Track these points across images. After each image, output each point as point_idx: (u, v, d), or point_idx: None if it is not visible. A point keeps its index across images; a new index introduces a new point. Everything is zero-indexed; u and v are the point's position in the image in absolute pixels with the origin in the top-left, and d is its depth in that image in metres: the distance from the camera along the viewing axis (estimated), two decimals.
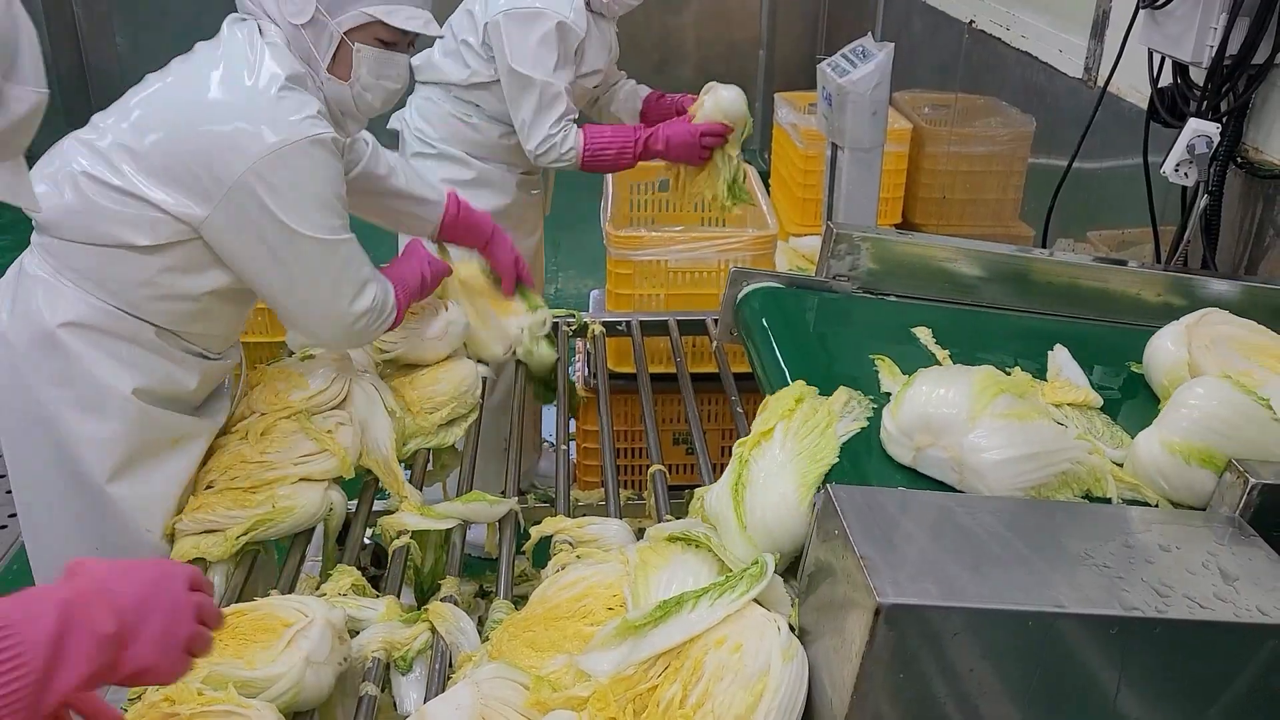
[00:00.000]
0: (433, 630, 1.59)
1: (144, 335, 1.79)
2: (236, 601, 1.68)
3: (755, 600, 1.26)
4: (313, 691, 1.44)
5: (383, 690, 1.54)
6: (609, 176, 3.17)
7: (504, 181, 3.04)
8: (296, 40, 1.78)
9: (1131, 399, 1.70)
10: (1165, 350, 1.67)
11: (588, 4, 2.84)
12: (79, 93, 6.32)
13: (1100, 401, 1.62)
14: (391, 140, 2.91)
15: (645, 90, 3.27)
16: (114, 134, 1.72)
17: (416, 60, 3.04)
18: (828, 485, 1.25)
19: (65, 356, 1.73)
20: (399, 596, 1.71)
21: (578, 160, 2.83)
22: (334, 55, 1.80)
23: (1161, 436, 1.40)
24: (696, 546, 1.40)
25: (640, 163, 2.90)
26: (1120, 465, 1.45)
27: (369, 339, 2.00)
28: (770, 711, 1.15)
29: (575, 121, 2.84)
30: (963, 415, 1.37)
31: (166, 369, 1.83)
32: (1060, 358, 1.73)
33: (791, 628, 1.24)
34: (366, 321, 1.90)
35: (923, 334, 1.79)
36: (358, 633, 1.61)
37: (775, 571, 1.29)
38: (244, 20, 1.81)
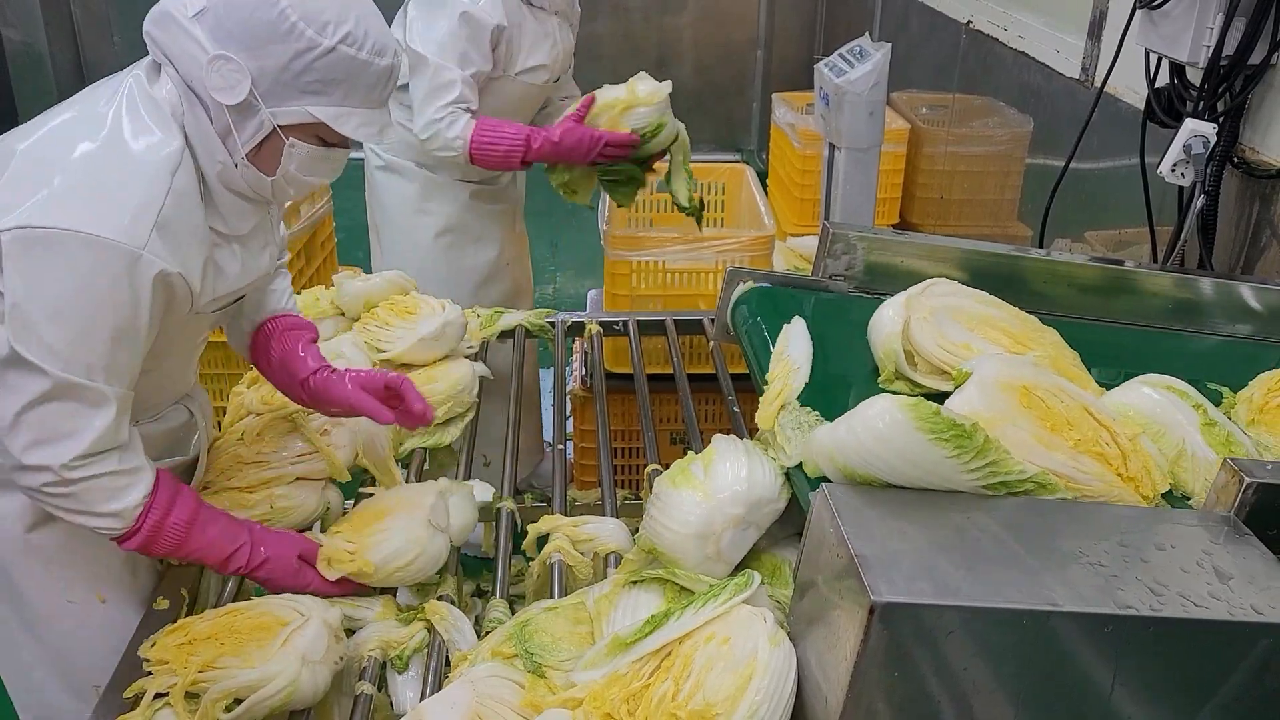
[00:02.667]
0: (429, 629, 1.59)
1: None
2: (235, 601, 1.69)
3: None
4: (308, 690, 1.45)
5: (379, 689, 1.55)
6: None
7: (454, 193, 2.92)
8: (216, 114, 1.49)
9: None
10: (883, 320, 1.64)
11: None
12: (77, 92, 6.31)
13: (801, 383, 1.60)
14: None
15: (576, 97, 3.03)
16: None
17: None
18: (823, 486, 1.26)
19: None
20: (395, 595, 1.71)
21: (465, 150, 2.63)
22: (259, 144, 1.51)
23: (827, 449, 1.34)
24: (658, 582, 1.43)
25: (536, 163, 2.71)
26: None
27: (62, 508, 1.52)
28: (759, 692, 1.17)
29: (470, 112, 2.65)
30: None
31: None
32: (793, 331, 1.72)
33: (780, 626, 1.25)
34: (36, 484, 1.47)
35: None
36: (354, 632, 1.61)
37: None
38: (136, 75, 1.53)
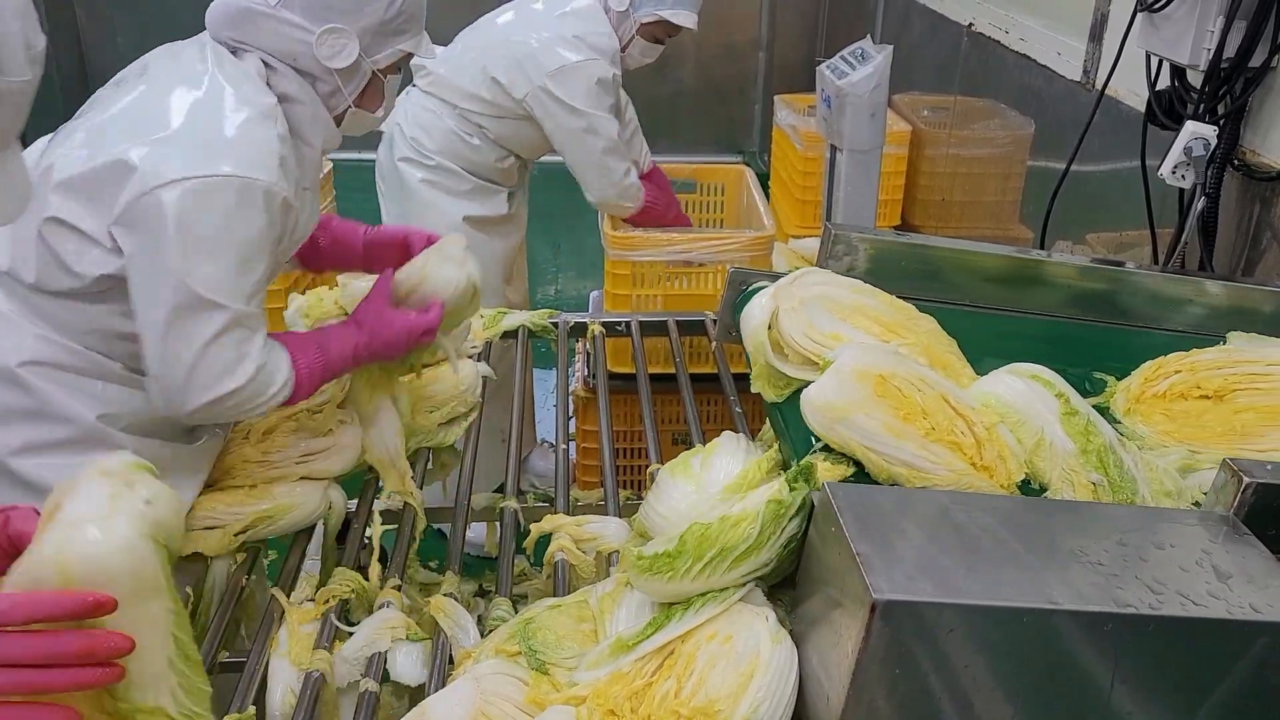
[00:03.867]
0: (434, 624, 1.60)
1: (111, 371, 1.68)
2: (235, 599, 1.70)
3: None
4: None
5: (381, 685, 1.55)
6: None
7: (495, 195, 3.09)
8: (323, 79, 1.71)
9: None
10: (752, 312, 1.66)
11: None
12: (80, 93, 6.28)
13: None
14: (373, 138, 2.92)
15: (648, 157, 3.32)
16: (62, 163, 1.58)
17: (414, 61, 3.05)
18: (825, 484, 1.26)
19: (27, 393, 1.63)
20: (401, 590, 1.72)
21: (637, 205, 2.97)
22: (362, 91, 1.77)
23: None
24: None
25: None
26: None
27: (234, 417, 1.74)
28: (761, 689, 1.18)
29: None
30: None
31: (137, 401, 1.70)
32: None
33: (781, 624, 1.26)
34: (235, 402, 1.63)
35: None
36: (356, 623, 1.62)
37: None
38: (213, 47, 1.69)
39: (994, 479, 1.38)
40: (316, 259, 2.11)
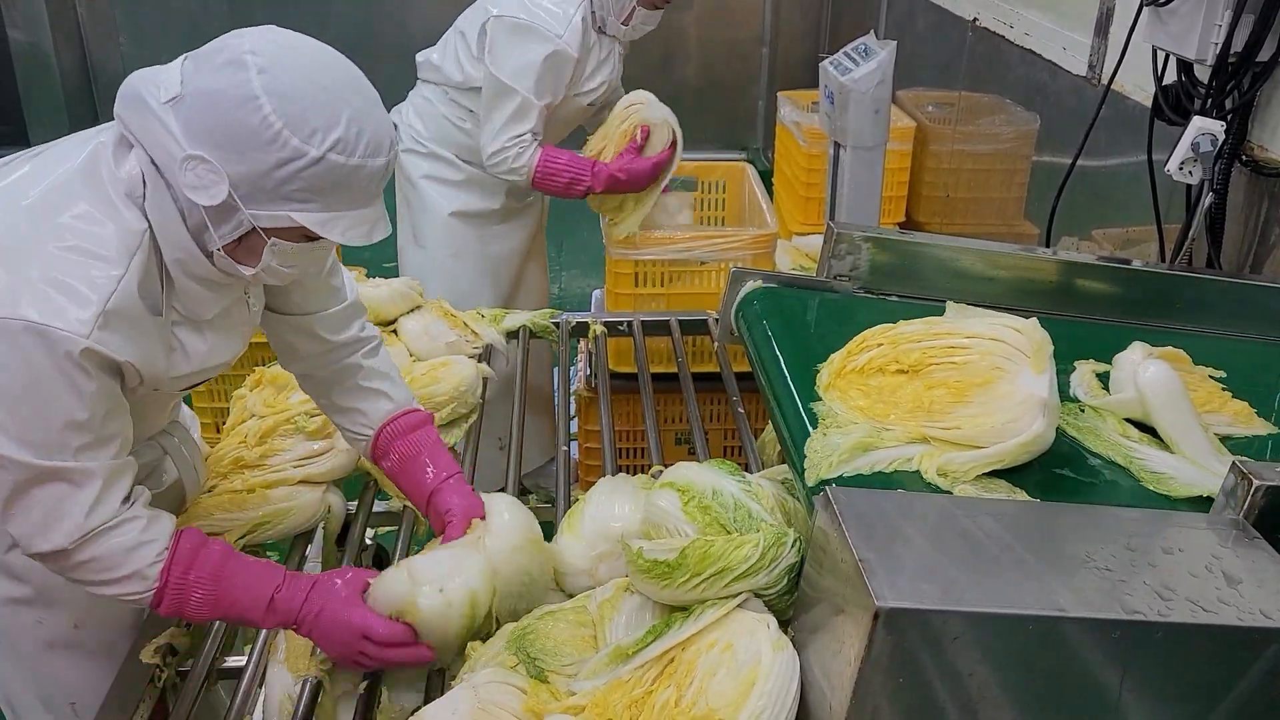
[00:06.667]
0: None
1: None
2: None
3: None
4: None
5: (378, 691, 1.54)
6: None
7: (494, 186, 3.05)
8: (189, 209, 1.38)
9: None
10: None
11: (597, 25, 2.85)
12: (83, 93, 6.32)
13: None
14: None
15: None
16: None
17: (419, 56, 3.05)
18: (827, 488, 1.25)
19: None
20: None
21: (528, 178, 2.82)
22: (239, 239, 1.41)
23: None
24: None
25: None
26: None
27: (95, 580, 1.48)
28: (762, 697, 1.17)
29: (537, 139, 2.82)
30: None
31: None
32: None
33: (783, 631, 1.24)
34: (72, 564, 1.44)
35: None
36: None
37: None
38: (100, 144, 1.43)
39: None
40: (385, 460, 1.80)
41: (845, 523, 1.16)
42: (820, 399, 1.59)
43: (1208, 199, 2.08)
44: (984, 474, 1.43)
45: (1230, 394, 1.72)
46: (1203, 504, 1.41)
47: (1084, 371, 1.73)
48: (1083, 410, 1.62)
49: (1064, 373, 1.72)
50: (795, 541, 1.32)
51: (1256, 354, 1.91)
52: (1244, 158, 2.10)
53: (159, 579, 1.46)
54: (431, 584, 1.45)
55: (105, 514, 1.43)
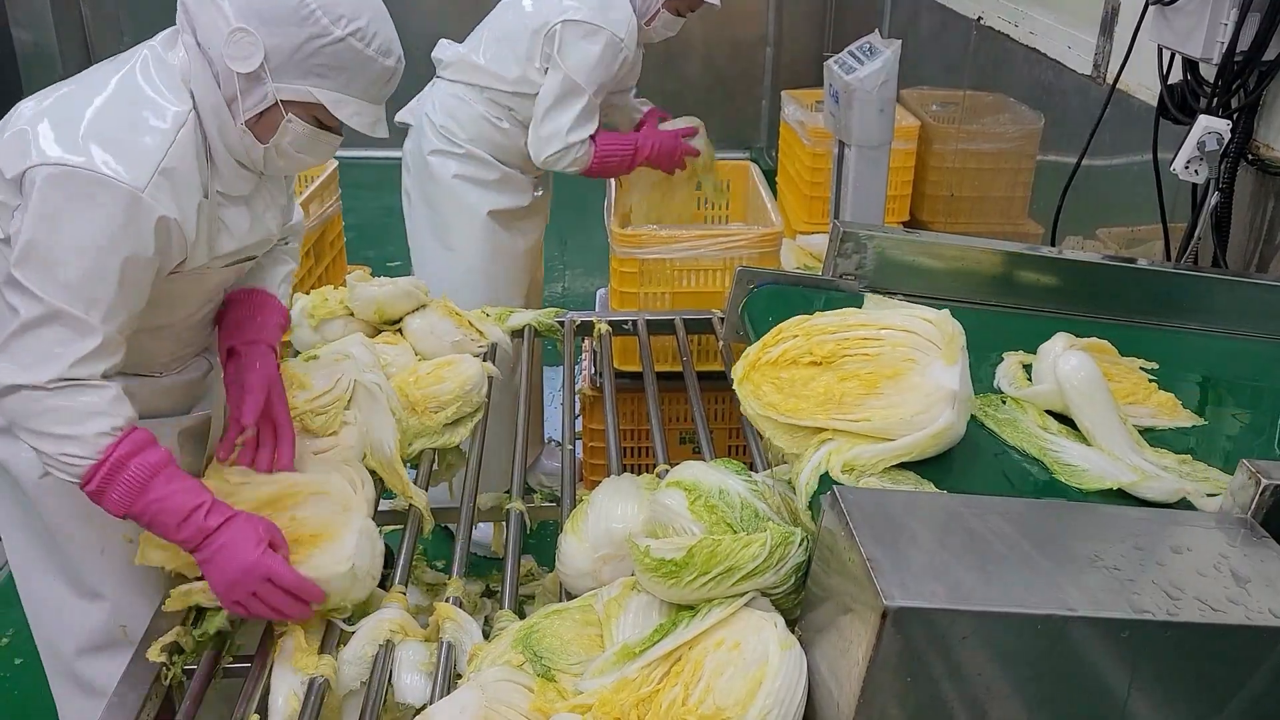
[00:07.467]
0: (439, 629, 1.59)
1: None
2: None
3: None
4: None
5: (386, 685, 1.54)
6: None
7: (521, 184, 3.08)
8: (225, 80, 1.61)
9: None
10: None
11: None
12: None
13: None
14: (400, 133, 2.91)
15: (645, 104, 3.27)
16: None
17: (444, 54, 3.02)
18: (834, 487, 1.25)
19: None
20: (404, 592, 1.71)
21: (584, 168, 2.94)
22: (260, 114, 1.63)
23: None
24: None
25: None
26: None
27: (36, 428, 1.55)
28: (769, 696, 1.17)
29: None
30: None
31: None
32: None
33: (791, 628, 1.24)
34: (21, 402, 1.52)
35: None
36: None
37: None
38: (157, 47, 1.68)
39: None
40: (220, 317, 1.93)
41: (853, 522, 1.16)
42: (736, 389, 1.57)
43: (1213, 198, 2.08)
44: (892, 466, 1.42)
45: (1157, 385, 1.71)
46: (1114, 497, 1.40)
47: (1010, 363, 1.72)
48: (1004, 402, 1.61)
49: (993, 364, 1.73)
50: (802, 540, 1.32)
51: (1258, 354, 1.91)
52: (1250, 156, 2.10)
53: (103, 452, 1.53)
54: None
55: (87, 372, 1.53)
